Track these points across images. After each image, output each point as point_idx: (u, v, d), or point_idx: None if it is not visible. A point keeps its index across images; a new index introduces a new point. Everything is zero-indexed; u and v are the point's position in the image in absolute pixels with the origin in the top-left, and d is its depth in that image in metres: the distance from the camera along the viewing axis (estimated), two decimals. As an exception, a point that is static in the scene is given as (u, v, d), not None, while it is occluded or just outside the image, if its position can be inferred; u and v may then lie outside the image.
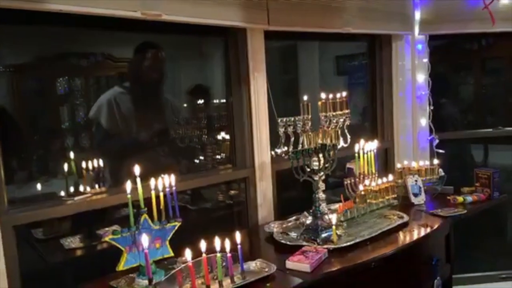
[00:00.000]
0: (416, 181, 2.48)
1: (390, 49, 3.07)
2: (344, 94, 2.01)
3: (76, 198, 1.86)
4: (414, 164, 2.61)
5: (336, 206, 2.16)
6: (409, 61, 3.09)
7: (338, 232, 1.94)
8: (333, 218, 1.93)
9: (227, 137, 2.46)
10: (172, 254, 1.68)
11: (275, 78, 2.59)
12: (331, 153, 2.00)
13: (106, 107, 2.16)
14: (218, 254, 1.51)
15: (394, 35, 3.03)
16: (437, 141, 3.08)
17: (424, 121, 3.13)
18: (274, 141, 2.05)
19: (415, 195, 2.46)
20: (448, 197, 2.47)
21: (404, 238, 2.00)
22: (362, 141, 2.20)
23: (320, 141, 1.99)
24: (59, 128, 2.15)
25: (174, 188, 1.65)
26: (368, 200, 2.12)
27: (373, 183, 2.18)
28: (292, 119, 1.93)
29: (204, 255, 1.48)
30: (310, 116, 1.95)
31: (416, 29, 3.01)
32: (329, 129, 1.98)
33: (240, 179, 2.41)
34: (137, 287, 1.57)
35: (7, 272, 1.60)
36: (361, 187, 2.13)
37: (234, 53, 2.33)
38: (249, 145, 2.36)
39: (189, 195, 2.38)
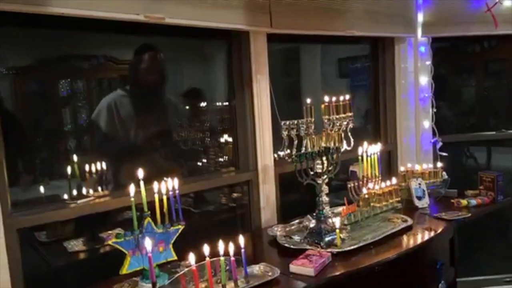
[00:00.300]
0: (419, 184, 2.48)
1: (393, 52, 3.06)
2: (347, 97, 2.00)
3: (79, 201, 1.86)
4: (417, 167, 2.61)
5: (339, 209, 2.16)
6: (412, 64, 3.08)
7: (342, 235, 1.93)
8: (337, 221, 1.93)
9: (230, 139, 2.45)
10: (175, 257, 1.67)
11: (277, 81, 2.58)
12: (335, 156, 1.99)
13: (105, 111, 2.16)
14: (222, 258, 1.51)
15: (397, 38, 3.03)
16: (440, 143, 3.07)
17: (427, 124, 3.12)
18: (277, 144, 2.05)
19: (419, 198, 2.45)
20: (452, 200, 2.47)
21: (408, 241, 1.99)
22: (365, 144, 2.19)
23: (323, 144, 1.99)
24: (62, 130, 2.15)
25: (177, 191, 1.64)
26: (371, 204, 2.12)
27: (377, 186, 2.17)
28: (295, 122, 1.93)
29: (207, 258, 1.48)
30: (313, 119, 1.95)
31: (419, 32, 3.00)
32: (333, 132, 1.97)
33: (243, 182, 2.41)
34: (141, 291, 1.57)
35: (10, 275, 1.60)
36: (364, 190, 2.12)
37: (237, 56, 2.33)
38: (252, 148, 2.36)
39: (192, 198, 2.37)
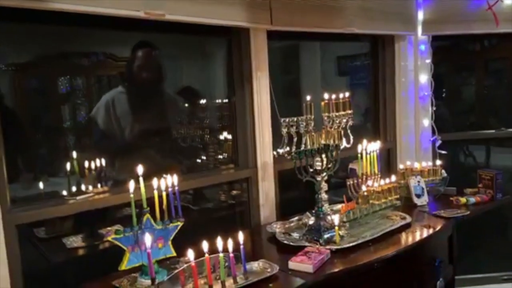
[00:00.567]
0: (418, 182, 2.48)
1: (393, 50, 3.06)
2: (347, 94, 2.00)
3: (78, 198, 1.86)
4: (416, 165, 2.61)
5: (338, 206, 2.16)
6: (412, 62, 3.08)
7: (341, 232, 1.94)
8: (336, 218, 1.93)
9: (230, 137, 2.45)
10: (174, 254, 1.68)
11: (277, 79, 2.58)
12: (334, 153, 1.99)
13: (103, 108, 2.16)
14: (221, 254, 1.51)
15: (397, 36, 3.02)
16: (439, 142, 3.07)
17: (426, 122, 3.12)
18: (277, 141, 2.05)
19: (418, 196, 2.45)
20: (451, 198, 2.47)
21: (407, 239, 1.99)
22: (365, 142, 2.19)
23: (323, 142, 1.99)
24: (61, 127, 2.15)
25: (176, 188, 1.64)
26: (370, 201, 2.12)
27: (376, 184, 2.17)
28: (295, 119, 1.93)
29: (206, 255, 1.48)
30: (313, 117, 1.95)
31: (419, 30, 3.00)
32: (332, 129, 1.97)
33: (243, 179, 2.41)
34: (140, 286, 1.57)
35: (9, 271, 1.60)
36: (363, 188, 2.13)
37: (237, 53, 2.33)
38: (252, 145, 2.36)
39: (191, 195, 2.37)
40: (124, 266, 1.57)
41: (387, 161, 3.13)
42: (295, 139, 1.92)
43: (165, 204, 1.64)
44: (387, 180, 2.23)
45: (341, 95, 1.99)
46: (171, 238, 1.66)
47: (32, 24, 1.86)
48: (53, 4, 1.56)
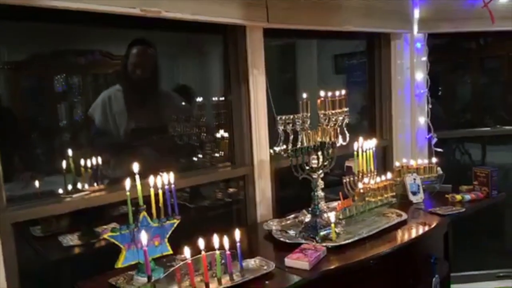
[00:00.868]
0: (414, 179, 2.49)
1: (389, 48, 3.07)
2: (343, 92, 2.01)
3: (74, 196, 1.86)
4: (412, 163, 2.62)
5: (334, 204, 2.16)
6: (408, 60, 3.09)
7: (337, 230, 1.94)
8: (332, 216, 1.94)
9: (226, 135, 2.45)
10: (171, 251, 1.68)
11: (273, 76, 2.58)
12: (330, 151, 2.00)
13: (100, 106, 2.16)
14: (217, 252, 1.51)
15: (393, 34, 3.03)
16: (435, 139, 3.08)
17: (422, 120, 3.13)
18: (273, 139, 2.05)
19: (414, 193, 2.46)
20: (447, 196, 2.47)
21: (403, 236, 2.00)
22: (361, 140, 2.20)
23: (319, 139, 1.99)
24: (58, 125, 2.14)
25: (173, 185, 1.64)
26: (366, 198, 2.13)
27: (372, 181, 2.18)
28: (291, 117, 1.93)
29: (203, 252, 1.49)
30: (309, 114, 1.95)
31: (415, 28, 3.01)
32: (328, 127, 1.98)
33: (239, 177, 2.41)
34: (136, 284, 1.57)
35: (5, 269, 1.60)
36: (360, 185, 2.13)
37: (233, 51, 2.33)
38: (248, 142, 2.36)
39: (187, 193, 2.37)
40: (120, 264, 1.57)
41: (383, 159, 3.14)
42: (291, 137, 1.93)
43: (161, 202, 1.63)
44: (383, 178, 2.24)
45: (337, 93, 1.99)
46: (168, 236, 1.66)
47: (28, 22, 1.85)
48: (48, 2, 1.55)
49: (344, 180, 2.18)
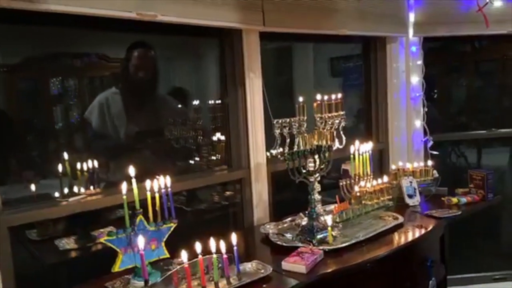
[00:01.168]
0: (410, 182, 2.49)
1: (385, 51, 3.09)
2: (339, 95, 2.02)
3: (70, 199, 1.85)
4: (408, 166, 2.63)
5: (331, 207, 2.17)
6: (404, 63, 3.11)
7: (334, 233, 1.94)
8: (329, 219, 1.94)
9: (223, 138, 2.46)
10: (167, 255, 1.67)
11: (270, 80, 2.59)
12: (327, 154, 2.00)
13: (97, 108, 2.16)
14: (214, 256, 1.51)
15: (388, 37, 3.05)
16: (431, 142, 3.09)
17: (418, 123, 3.15)
18: (270, 142, 2.05)
19: (410, 196, 2.47)
20: (443, 198, 2.49)
21: (399, 239, 2.01)
22: (357, 143, 2.20)
23: (315, 143, 1.99)
24: (53, 128, 2.14)
25: (169, 189, 1.64)
26: (363, 202, 2.13)
27: (368, 185, 2.19)
28: (288, 120, 1.93)
29: (200, 256, 1.48)
30: (305, 118, 1.96)
31: (411, 31, 3.03)
32: (325, 130, 1.98)
33: (236, 180, 2.41)
34: (133, 288, 1.57)
35: (1, 273, 1.59)
36: (356, 189, 2.14)
37: (229, 54, 2.33)
38: (245, 146, 2.36)
39: (184, 197, 2.37)
40: (117, 267, 1.56)
41: (380, 162, 3.15)
42: (288, 140, 1.93)
43: (158, 205, 1.63)
44: (380, 181, 2.25)
45: (333, 96, 2.00)
46: (164, 239, 1.66)
47: (24, 25, 1.85)
48: (44, 5, 1.55)
49: (341, 183, 2.19)
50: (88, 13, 1.66)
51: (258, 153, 2.37)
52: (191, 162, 2.47)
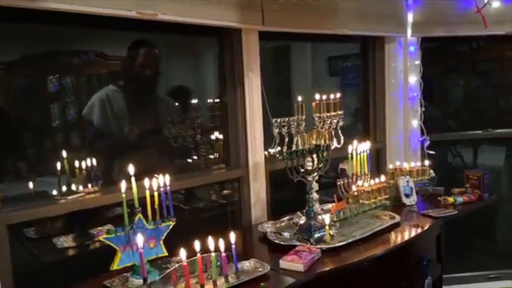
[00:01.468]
0: (407, 182, 2.51)
1: (383, 51, 3.10)
2: (338, 95, 2.02)
3: (69, 197, 1.85)
4: (405, 165, 2.64)
5: (329, 206, 2.18)
6: (402, 63, 3.12)
7: (331, 232, 1.96)
8: (326, 218, 1.95)
9: (221, 137, 2.46)
10: (166, 253, 1.68)
11: (268, 78, 2.59)
12: (325, 153, 2.01)
13: (98, 105, 2.14)
14: (213, 254, 1.52)
15: (387, 37, 3.06)
16: (428, 142, 3.11)
17: (415, 123, 3.16)
18: (268, 141, 2.06)
19: (407, 195, 2.48)
20: (439, 198, 2.50)
21: (396, 238, 2.02)
22: (355, 142, 2.21)
23: (314, 142, 2.00)
24: (51, 126, 2.13)
25: (168, 187, 1.65)
26: (360, 201, 2.14)
27: (366, 184, 2.20)
28: (286, 119, 1.94)
29: (198, 254, 1.49)
30: (304, 117, 1.97)
31: (409, 31, 3.04)
32: (323, 130, 1.99)
33: (234, 179, 2.42)
34: (132, 286, 1.57)
35: (0, 271, 1.59)
36: (354, 188, 2.15)
37: (229, 53, 2.34)
38: (243, 145, 2.37)
39: (182, 195, 2.37)
40: (115, 266, 1.57)
41: (377, 161, 3.16)
42: (286, 140, 1.94)
43: (156, 203, 1.64)
44: (377, 180, 2.26)
45: (331, 96, 2.00)
46: (163, 237, 1.67)
47: (22, 23, 1.85)
48: (46, 4, 1.55)
49: (338, 183, 2.19)
50: (90, 11, 1.66)
51: (256, 152, 2.38)
52: (189, 160, 2.47)
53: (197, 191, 2.47)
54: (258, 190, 2.40)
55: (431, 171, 2.64)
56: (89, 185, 1.97)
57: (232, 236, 1.62)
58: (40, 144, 2.12)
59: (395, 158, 2.99)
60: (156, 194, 1.63)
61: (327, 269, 1.71)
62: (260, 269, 1.66)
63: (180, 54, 2.57)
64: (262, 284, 1.58)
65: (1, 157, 1.94)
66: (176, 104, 2.51)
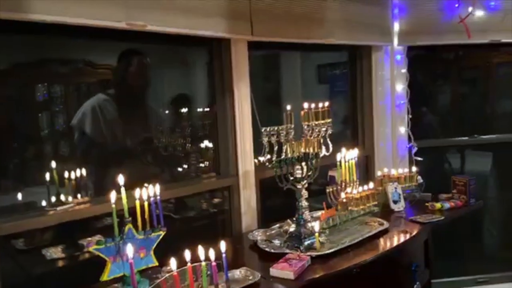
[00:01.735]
0: (395, 188, 2.54)
1: (370, 59, 3.15)
2: (326, 103, 2.05)
3: (59, 208, 1.84)
4: (394, 172, 2.67)
5: (318, 213, 2.20)
6: (389, 71, 3.17)
7: (321, 239, 1.97)
8: (316, 225, 1.97)
9: (211, 145, 2.47)
10: (156, 263, 1.68)
11: (257, 87, 2.62)
12: (314, 161, 2.03)
13: (90, 114, 2.14)
14: (203, 263, 1.52)
15: (374, 46, 3.11)
16: (415, 149, 3.15)
17: (403, 129, 3.21)
18: (258, 150, 2.08)
19: (395, 202, 2.51)
20: (427, 204, 2.53)
21: (385, 244, 2.04)
22: (343, 150, 2.24)
23: (303, 150, 2.03)
24: (39, 136, 2.12)
25: (158, 197, 1.65)
26: (349, 208, 2.17)
27: (355, 191, 2.22)
28: (276, 128, 1.96)
29: (189, 264, 1.50)
30: (293, 125, 1.99)
31: (395, 41, 3.09)
32: (312, 138, 2.02)
33: (224, 187, 2.43)
34: (122, 297, 1.57)
35: (-12, 284, 1.58)
36: (343, 195, 2.17)
37: (218, 63, 2.36)
38: (233, 153, 2.38)
39: (172, 204, 2.37)
40: (106, 276, 1.57)
41: (365, 168, 3.20)
42: (275, 148, 1.96)
43: (147, 213, 1.64)
44: (366, 187, 2.28)
45: (320, 104, 2.03)
46: (153, 247, 1.67)
47: (9, 32, 1.84)
48: (33, 15, 1.56)
49: (328, 190, 2.22)
50: (78, 23, 1.67)
51: (246, 160, 2.40)
52: (180, 169, 2.47)
53: (188, 200, 2.48)
54: (248, 198, 2.41)
55: (419, 177, 2.67)
56: (79, 195, 1.96)
57: (223, 245, 1.62)
58: (29, 154, 2.10)
59: (383, 165, 3.03)
60: (146, 203, 1.63)
61: (317, 276, 1.73)
62: (251, 278, 1.67)
63: (170, 64, 2.58)
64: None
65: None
66: (166, 111, 2.51)
